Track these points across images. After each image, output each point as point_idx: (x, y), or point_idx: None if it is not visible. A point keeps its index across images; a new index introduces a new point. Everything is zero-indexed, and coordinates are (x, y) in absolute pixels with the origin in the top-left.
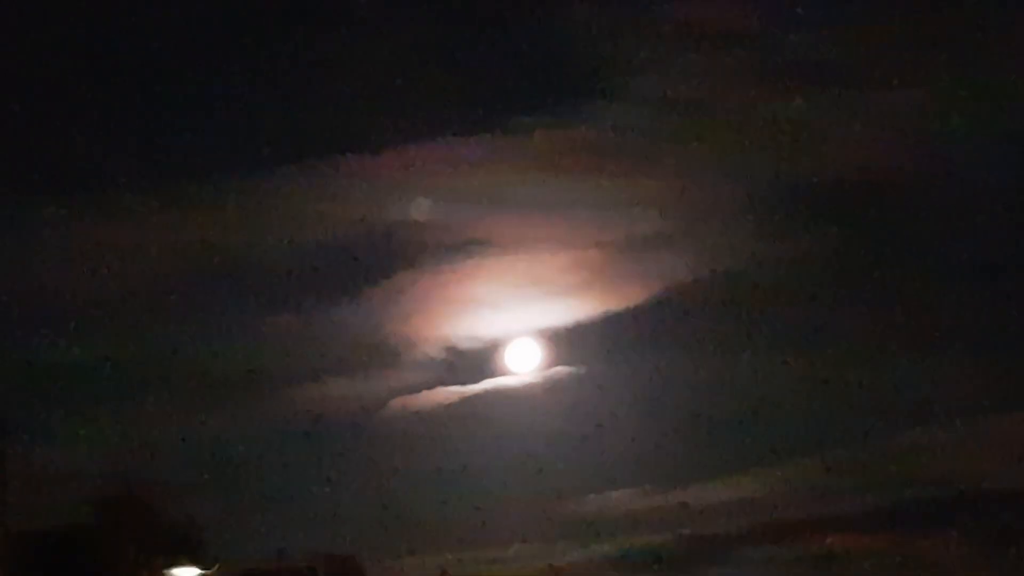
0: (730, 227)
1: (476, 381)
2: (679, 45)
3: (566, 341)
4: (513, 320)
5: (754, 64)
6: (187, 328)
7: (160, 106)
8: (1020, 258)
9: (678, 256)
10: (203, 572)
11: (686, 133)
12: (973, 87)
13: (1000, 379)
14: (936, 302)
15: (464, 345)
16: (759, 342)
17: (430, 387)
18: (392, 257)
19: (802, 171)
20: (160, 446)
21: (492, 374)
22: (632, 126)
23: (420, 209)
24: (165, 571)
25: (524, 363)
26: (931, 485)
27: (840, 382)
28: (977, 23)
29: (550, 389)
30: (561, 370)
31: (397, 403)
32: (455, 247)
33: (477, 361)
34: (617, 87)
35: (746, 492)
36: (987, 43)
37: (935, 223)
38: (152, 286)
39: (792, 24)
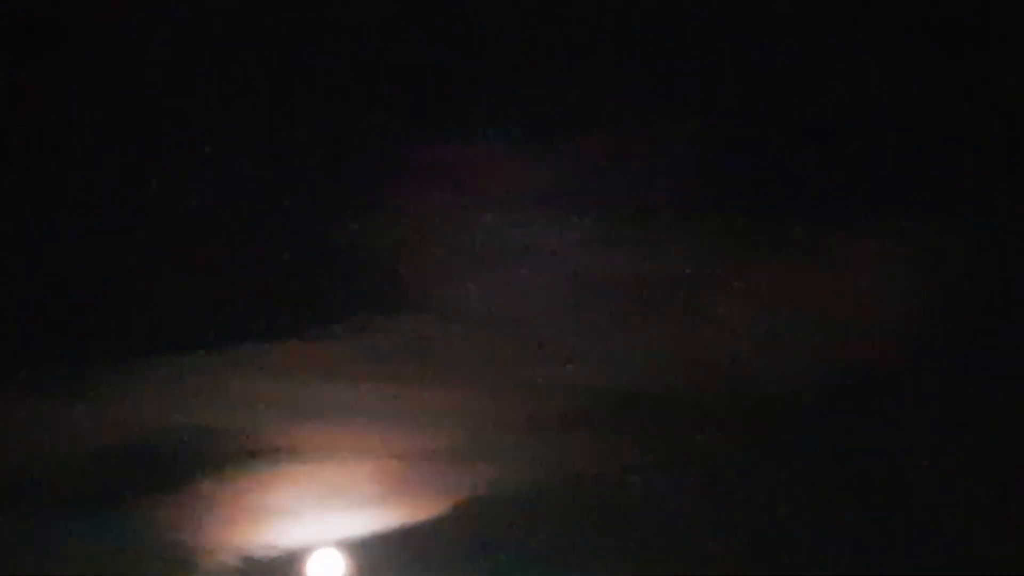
0: (525, 442)
1: None
2: (483, 262)
3: (365, 553)
4: (311, 530)
5: (560, 280)
6: None
7: None
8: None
9: (477, 469)
10: None
11: (486, 347)
12: None
13: None
14: (753, 505)
15: (261, 554)
16: (559, 556)
17: None
18: (185, 464)
19: (606, 386)
20: None
21: None
22: (434, 338)
23: (213, 415)
24: None
25: (320, 575)
26: None
27: None
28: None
29: None
30: None
31: None
32: (253, 454)
33: (275, 571)
34: (420, 299)
35: None
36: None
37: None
38: None
39: (601, 241)
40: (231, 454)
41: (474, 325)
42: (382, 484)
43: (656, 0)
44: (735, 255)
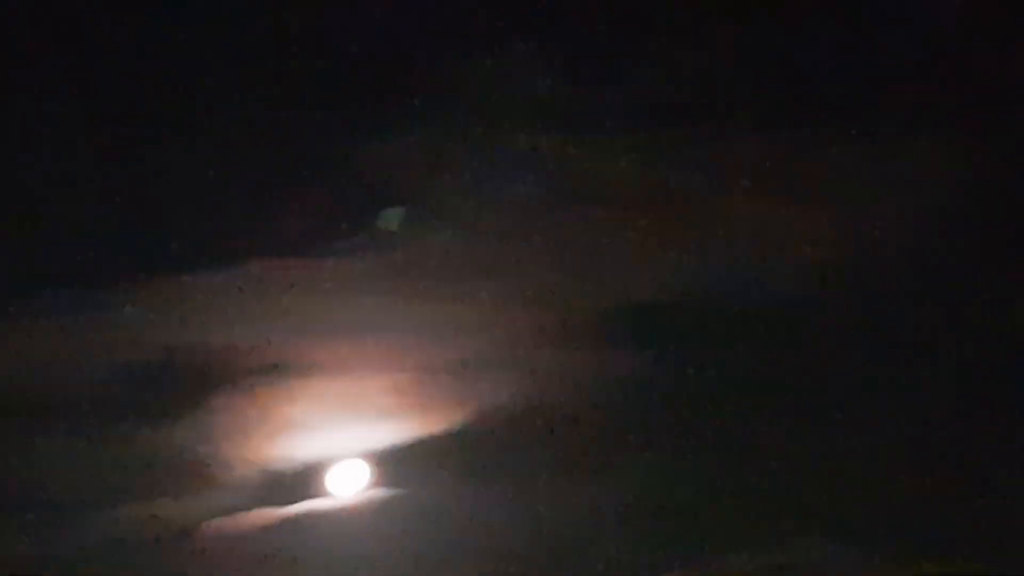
0: (545, 351)
1: (293, 503)
2: (495, 172)
3: (385, 464)
4: (331, 443)
5: (578, 194)
6: None
7: None
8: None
9: (495, 380)
10: None
11: (504, 259)
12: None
13: None
14: (765, 418)
15: (280, 467)
16: (579, 466)
17: (244, 509)
18: (205, 380)
19: (620, 296)
20: None
21: (310, 496)
22: (450, 251)
23: (234, 331)
24: None
25: (345, 486)
26: None
27: (660, 505)
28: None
29: (371, 512)
30: (382, 492)
31: (211, 525)
32: (269, 369)
33: (295, 483)
34: (434, 213)
35: None
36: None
37: (758, 343)
38: None
39: (623, 153)
40: (253, 369)
41: (491, 237)
42: (399, 398)
43: None
44: (748, 163)
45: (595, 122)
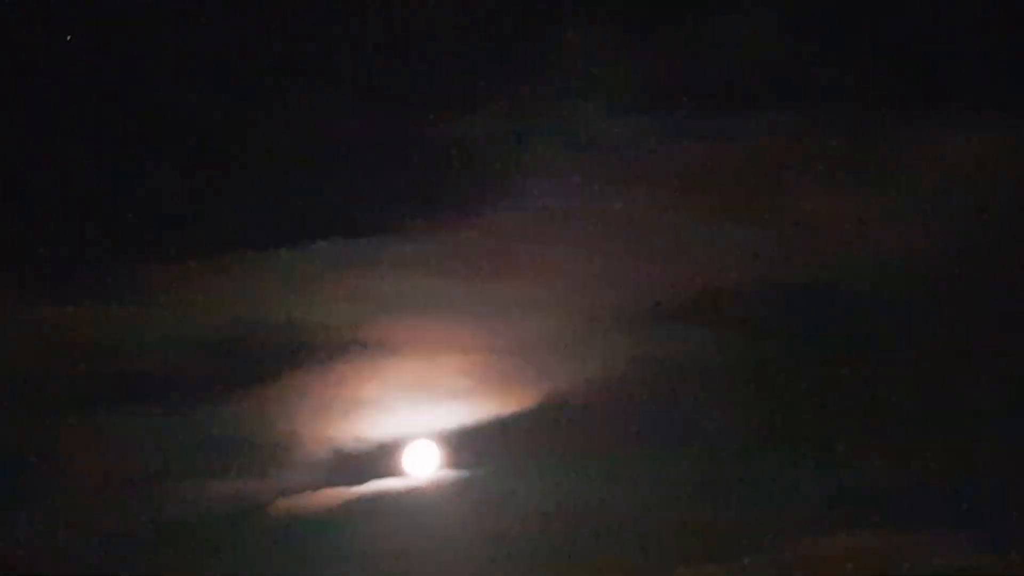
0: (614, 333)
1: (363, 482)
2: (569, 154)
3: (456, 445)
4: (401, 422)
5: (644, 174)
6: (62, 426)
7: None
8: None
9: (565, 361)
10: None
11: (572, 241)
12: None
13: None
14: (823, 400)
15: (351, 447)
16: (649, 443)
17: (316, 488)
18: (278, 357)
19: (688, 280)
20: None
21: (379, 476)
22: (516, 232)
23: (307, 309)
24: None
25: (415, 466)
26: None
27: (733, 482)
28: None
29: (442, 492)
30: (452, 473)
31: (281, 503)
32: (341, 348)
33: (364, 463)
34: (502, 194)
35: None
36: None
37: (817, 327)
38: (23, 384)
39: (687, 134)
40: (327, 348)
41: (562, 220)
42: (469, 378)
43: None
44: (814, 148)
45: (662, 101)
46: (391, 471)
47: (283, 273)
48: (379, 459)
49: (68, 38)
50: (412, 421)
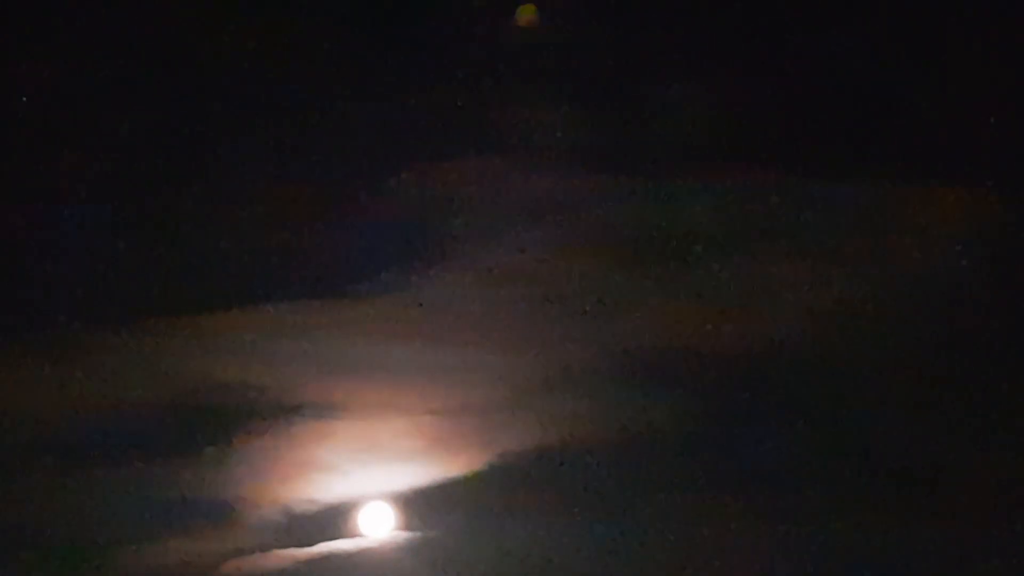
0: (561, 394)
1: (313, 544)
2: (509, 217)
3: (409, 506)
4: (353, 484)
5: (588, 237)
6: (5, 490)
7: None
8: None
9: (514, 423)
10: None
11: (520, 304)
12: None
13: None
14: (783, 464)
15: (303, 508)
16: (601, 504)
17: (266, 549)
18: (227, 420)
19: (635, 342)
20: None
21: (333, 537)
22: (462, 296)
23: (256, 372)
24: None
25: (370, 526)
26: None
27: (690, 544)
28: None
29: (397, 552)
30: (406, 534)
31: (231, 565)
32: (291, 410)
33: (317, 524)
34: (448, 258)
35: None
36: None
37: (766, 391)
38: None
39: (630, 197)
40: (277, 410)
41: (508, 283)
42: (417, 440)
43: None
44: (760, 211)
45: (609, 167)
46: (345, 532)
47: (231, 336)
48: (332, 520)
49: None
50: (363, 482)
